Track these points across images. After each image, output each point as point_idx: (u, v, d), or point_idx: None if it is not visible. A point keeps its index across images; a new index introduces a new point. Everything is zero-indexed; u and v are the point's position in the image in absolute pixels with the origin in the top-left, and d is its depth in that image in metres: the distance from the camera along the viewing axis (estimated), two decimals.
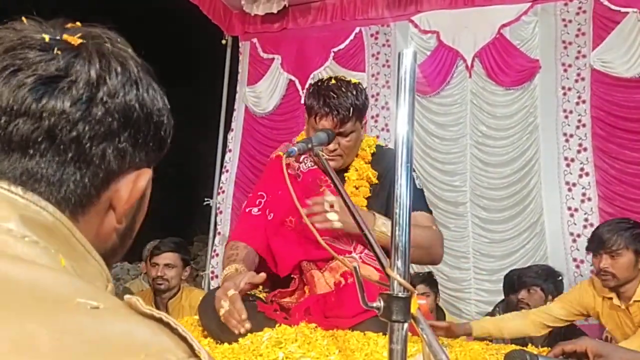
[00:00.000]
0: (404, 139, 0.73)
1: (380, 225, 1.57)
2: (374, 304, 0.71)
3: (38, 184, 0.50)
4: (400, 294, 0.70)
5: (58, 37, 0.52)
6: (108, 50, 0.53)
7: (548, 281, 2.93)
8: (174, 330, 0.40)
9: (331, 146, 1.65)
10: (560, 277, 3.04)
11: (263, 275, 1.38)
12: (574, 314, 2.38)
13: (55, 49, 0.50)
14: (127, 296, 0.43)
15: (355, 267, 0.70)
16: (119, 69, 0.53)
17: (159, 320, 0.40)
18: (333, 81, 1.68)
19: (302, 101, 1.78)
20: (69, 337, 0.35)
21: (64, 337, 0.34)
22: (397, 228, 0.71)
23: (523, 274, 3.02)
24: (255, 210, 1.74)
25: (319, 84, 1.70)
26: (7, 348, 0.33)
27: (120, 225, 0.56)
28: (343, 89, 1.64)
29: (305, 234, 1.63)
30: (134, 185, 0.54)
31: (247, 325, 1.34)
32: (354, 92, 1.65)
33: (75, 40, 0.52)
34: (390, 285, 0.71)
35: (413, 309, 0.70)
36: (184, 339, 0.40)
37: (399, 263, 0.70)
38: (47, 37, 0.51)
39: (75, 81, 0.50)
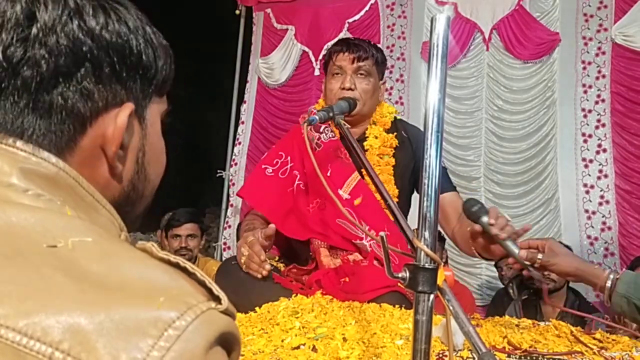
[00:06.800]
0: (435, 108, 0.71)
1: None
2: (400, 275, 0.70)
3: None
4: (427, 265, 0.69)
5: None
6: None
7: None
8: (191, 275, 0.39)
9: (347, 83, 1.63)
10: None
11: (272, 226, 1.45)
12: None
13: None
14: (140, 242, 0.41)
15: (382, 237, 0.69)
16: (49, 1, 0.46)
17: (176, 265, 0.40)
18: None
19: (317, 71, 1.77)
20: (88, 284, 0.35)
21: (84, 285, 0.34)
22: (425, 199, 0.70)
23: None
24: (269, 170, 1.73)
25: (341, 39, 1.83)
26: (28, 293, 0.33)
27: (118, 169, 0.52)
28: (365, 41, 1.75)
29: (324, 219, 1.63)
30: (115, 122, 0.50)
31: (267, 266, 1.42)
32: (375, 47, 1.74)
33: None
34: (417, 256, 0.70)
35: (439, 281, 0.69)
36: (202, 283, 0.39)
37: (427, 234, 0.69)
38: None
39: (3, 24, 0.45)
